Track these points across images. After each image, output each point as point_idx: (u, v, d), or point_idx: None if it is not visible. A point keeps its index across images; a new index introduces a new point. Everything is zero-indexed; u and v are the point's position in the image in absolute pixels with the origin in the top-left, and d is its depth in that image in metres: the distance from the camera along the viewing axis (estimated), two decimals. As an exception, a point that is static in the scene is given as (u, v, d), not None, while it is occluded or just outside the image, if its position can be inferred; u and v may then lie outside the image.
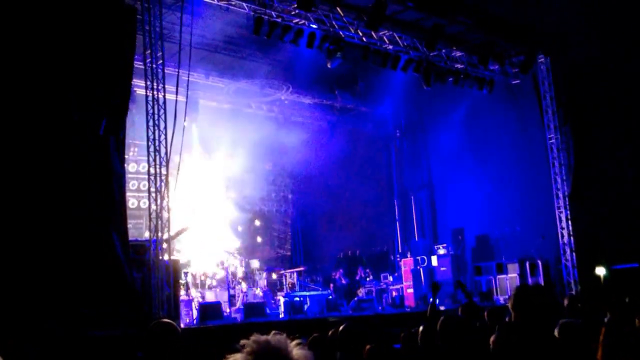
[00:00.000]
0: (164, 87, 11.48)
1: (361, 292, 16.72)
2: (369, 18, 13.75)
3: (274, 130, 18.31)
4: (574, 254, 16.04)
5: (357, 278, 17.50)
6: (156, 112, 11.28)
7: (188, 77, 12.61)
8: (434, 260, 17.87)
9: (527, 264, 16.52)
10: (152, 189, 10.99)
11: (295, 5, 12.90)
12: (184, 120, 11.54)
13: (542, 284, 15.77)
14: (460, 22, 15.13)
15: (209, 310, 12.13)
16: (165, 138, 11.27)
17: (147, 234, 11.92)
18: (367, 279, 17.40)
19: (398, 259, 19.37)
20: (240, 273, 14.99)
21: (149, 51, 11.54)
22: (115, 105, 10.42)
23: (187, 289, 13.51)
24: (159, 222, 10.88)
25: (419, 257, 17.89)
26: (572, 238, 16.11)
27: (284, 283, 15.84)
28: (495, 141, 17.93)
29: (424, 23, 15.01)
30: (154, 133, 11.20)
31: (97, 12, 10.14)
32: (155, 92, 11.30)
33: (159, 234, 10.83)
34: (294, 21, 13.64)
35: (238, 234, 18.20)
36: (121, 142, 10.60)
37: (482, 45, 15.90)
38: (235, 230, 18.15)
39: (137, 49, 11.24)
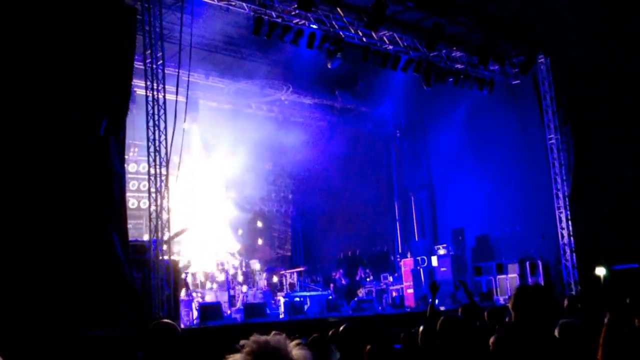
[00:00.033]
0: (164, 88, 11.48)
1: (361, 292, 16.73)
2: (369, 18, 13.75)
3: (274, 130, 18.31)
4: (574, 254, 16.04)
5: (357, 278, 17.50)
6: (156, 112, 11.28)
7: (188, 77, 12.61)
8: (434, 261, 17.87)
9: (527, 264, 16.51)
10: (152, 189, 10.99)
11: (296, 6, 12.90)
12: (184, 120, 11.53)
13: (542, 284, 15.76)
14: (460, 23, 15.13)
15: (209, 310, 12.13)
16: (165, 138, 11.27)
17: (147, 235, 11.93)
18: (367, 279, 17.40)
19: (398, 259, 19.37)
20: (240, 273, 14.99)
21: (149, 51, 11.54)
22: (116, 106, 10.42)
23: (187, 289, 13.51)
24: (159, 222, 10.88)
25: (419, 258, 17.88)
26: (572, 238, 16.11)
27: (284, 283, 15.84)
28: (495, 141, 17.94)
29: (424, 23, 15.01)
30: (154, 133, 11.20)
31: (97, 12, 10.15)
32: (155, 93, 11.30)
33: (159, 234, 10.84)
34: (294, 21, 13.64)
35: (238, 234, 18.20)
36: (121, 143, 10.60)
37: (482, 46, 15.90)
38: (235, 231, 18.15)
39: (137, 49, 11.24)
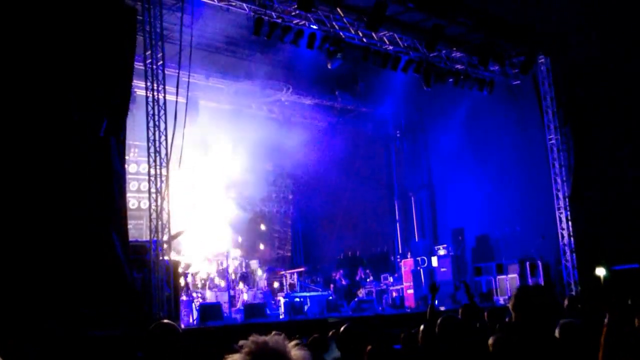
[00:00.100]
0: (164, 88, 11.49)
1: (361, 292, 16.73)
2: (369, 19, 13.76)
3: (275, 131, 18.31)
4: (574, 254, 16.05)
5: (358, 279, 17.50)
6: (156, 113, 11.28)
7: (188, 77, 12.61)
8: (434, 261, 17.86)
9: (527, 265, 16.51)
10: (153, 190, 11.00)
11: (296, 6, 12.91)
12: (184, 121, 11.53)
13: (542, 284, 15.76)
14: (460, 23, 15.14)
15: (209, 310, 12.13)
16: (166, 139, 11.27)
17: (147, 235, 11.93)
18: (368, 279, 17.40)
19: (398, 260, 19.37)
20: (240, 274, 14.99)
21: (149, 52, 11.55)
22: (116, 106, 10.42)
23: (188, 289, 13.51)
24: (159, 222, 10.89)
25: (419, 258, 17.88)
26: (572, 239, 16.11)
27: (284, 284, 15.84)
28: (495, 142, 17.95)
29: (424, 24, 15.02)
30: (154, 134, 11.20)
31: (98, 12, 10.15)
32: (155, 93, 11.30)
33: (159, 234, 10.84)
34: (294, 22, 13.64)
35: (238, 235, 18.19)
36: (122, 143, 10.60)
37: (482, 46, 15.90)
38: (235, 231, 18.15)
39: (138, 50, 11.23)
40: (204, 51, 16.16)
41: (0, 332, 7.27)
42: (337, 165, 19.98)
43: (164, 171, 11.11)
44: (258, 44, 16.66)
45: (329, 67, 14.87)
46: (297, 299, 14.30)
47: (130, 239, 10.99)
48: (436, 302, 7.05)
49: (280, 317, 13.37)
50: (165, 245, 10.95)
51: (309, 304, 14.20)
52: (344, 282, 17.25)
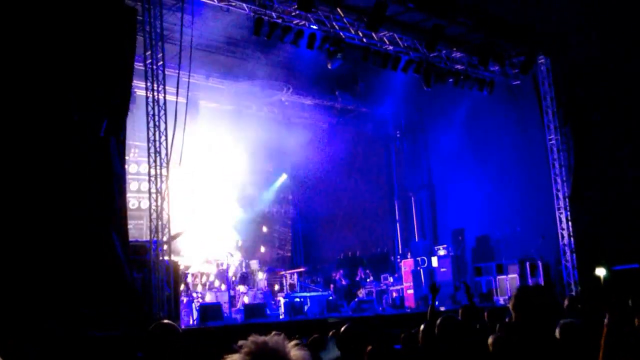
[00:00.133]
0: (164, 89, 11.48)
1: (361, 293, 16.72)
2: (370, 19, 13.76)
3: (275, 131, 18.31)
4: (574, 254, 16.05)
5: (358, 279, 17.50)
6: (156, 113, 11.29)
7: (189, 78, 12.61)
8: (434, 261, 17.86)
9: (527, 265, 16.51)
10: (153, 190, 11.00)
11: (296, 6, 12.91)
12: (184, 121, 11.53)
13: (542, 284, 15.76)
14: (460, 23, 15.14)
15: (209, 311, 12.13)
16: (166, 139, 11.27)
17: (147, 235, 11.93)
18: (368, 279, 17.40)
19: (398, 260, 19.37)
20: (240, 274, 14.98)
21: (149, 52, 11.55)
22: (116, 106, 10.43)
23: (188, 289, 13.51)
24: (159, 222, 10.89)
25: (419, 258, 17.88)
26: (572, 239, 16.12)
27: (284, 284, 15.84)
28: (495, 142, 17.95)
29: (424, 24, 15.02)
30: (154, 134, 11.20)
31: (98, 12, 10.15)
32: (155, 94, 11.31)
33: (159, 234, 10.84)
34: (294, 22, 13.64)
35: (238, 235, 18.18)
36: (122, 143, 10.61)
37: (482, 46, 15.91)
38: (235, 231, 18.14)
39: (138, 50, 11.23)
40: (204, 51, 16.15)
41: (0, 332, 7.27)
42: (337, 166, 19.98)
43: (164, 171, 11.11)
44: (258, 44, 16.66)
45: (329, 67, 14.87)
46: (297, 299, 14.30)
47: (130, 239, 10.99)
48: (436, 302, 7.05)
49: (280, 317, 13.37)
50: (165, 246, 10.95)
51: (309, 304, 14.20)
52: (344, 282, 17.25)
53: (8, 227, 8.96)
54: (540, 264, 16.58)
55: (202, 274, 14.49)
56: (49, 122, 9.52)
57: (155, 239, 10.81)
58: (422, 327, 5.25)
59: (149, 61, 11.52)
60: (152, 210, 10.95)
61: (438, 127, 19.90)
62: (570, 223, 16.17)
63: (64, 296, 9.02)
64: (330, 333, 6.54)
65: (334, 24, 14.20)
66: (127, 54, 10.64)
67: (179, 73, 11.54)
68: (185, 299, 12.83)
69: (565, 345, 3.99)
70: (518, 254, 16.93)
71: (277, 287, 16.17)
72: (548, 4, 15.37)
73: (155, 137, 11.17)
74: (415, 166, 21.52)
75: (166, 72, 11.61)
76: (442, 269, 17.53)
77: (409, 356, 5.55)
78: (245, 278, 14.98)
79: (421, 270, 17.43)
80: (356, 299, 15.70)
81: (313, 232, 21.04)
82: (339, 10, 14.06)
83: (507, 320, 6.91)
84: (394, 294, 16.90)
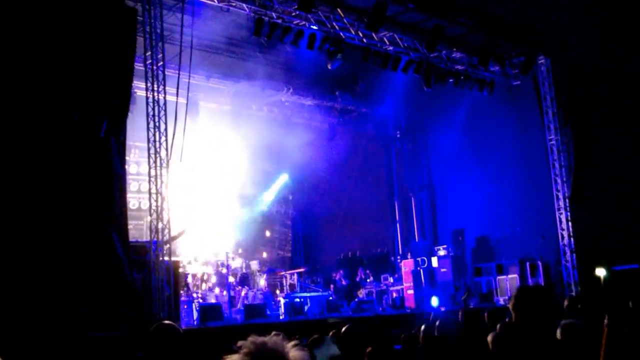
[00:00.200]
0: (164, 89, 11.49)
1: (361, 293, 16.73)
2: (370, 19, 13.76)
3: (275, 131, 18.31)
4: (574, 255, 16.04)
5: (358, 279, 17.50)
6: (156, 113, 11.29)
7: (189, 78, 12.61)
8: (434, 262, 17.85)
9: (528, 265, 16.50)
10: (153, 190, 11.00)
11: (296, 7, 12.91)
12: (185, 122, 11.53)
13: (543, 285, 15.75)
14: (460, 23, 15.14)
15: (209, 311, 12.13)
16: (166, 140, 11.27)
17: (147, 235, 11.93)
18: (368, 280, 17.40)
19: (398, 260, 19.36)
20: (240, 274, 14.99)
21: (149, 52, 11.55)
22: (116, 106, 10.43)
23: (188, 289, 13.51)
24: (159, 223, 10.89)
25: (419, 258, 17.86)
26: (572, 239, 16.11)
27: (285, 284, 15.84)
28: (495, 142, 17.95)
29: (424, 24, 15.02)
30: (154, 135, 11.20)
31: (98, 13, 10.15)
32: (155, 94, 11.31)
33: (160, 235, 10.84)
34: (295, 22, 13.64)
35: (238, 235, 18.19)
36: (122, 144, 10.61)
37: (483, 47, 15.91)
38: (235, 231, 18.15)
39: (138, 51, 11.23)
40: (204, 52, 16.16)
41: (0, 332, 7.27)
42: (337, 166, 19.98)
43: (164, 172, 11.11)
44: (258, 45, 16.66)
45: (329, 67, 14.87)
46: (297, 300, 14.30)
47: (131, 239, 10.99)
48: (443, 308, 7.07)
49: (281, 317, 13.37)
50: (165, 246, 10.95)
51: (309, 305, 14.20)
52: (344, 283, 17.25)
53: (8, 227, 8.97)
54: (540, 264, 16.57)
55: (202, 274, 14.50)
56: (49, 122, 9.53)
57: (155, 239, 10.81)
58: (422, 327, 5.26)
59: (149, 61, 11.52)
60: (152, 211, 10.95)
61: (438, 127, 19.89)
62: (570, 223, 16.17)
63: (64, 296, 9.02)
64: (331, 333, 6.55)
65: (334, 24, 14.20)
66: (127, 54, 10.65)
67: (179, 73, 11.55)
68: (186, 298, 12.83)
69: (566, 345, 3.99)
70: (518, 254, 16.92)
71: (277, 291, 16.15)
72: (548, 4, 15.37)
73: (155, 138, 11.17)
74: (415, 166, 21.52)
75: (166, 73, 11.61)
76: (442, 269, 17.51)
77: (408, 356, 5.55)
78: (245, 278, 14.99)
79: (421, 270, 17.41)
80: (356, 299, 15.69)
81: (313, 232, 21.04)
82: (339, 10, 14.07)
83: (507, 320, 6.91)
84: (394, 295, 16.89)
